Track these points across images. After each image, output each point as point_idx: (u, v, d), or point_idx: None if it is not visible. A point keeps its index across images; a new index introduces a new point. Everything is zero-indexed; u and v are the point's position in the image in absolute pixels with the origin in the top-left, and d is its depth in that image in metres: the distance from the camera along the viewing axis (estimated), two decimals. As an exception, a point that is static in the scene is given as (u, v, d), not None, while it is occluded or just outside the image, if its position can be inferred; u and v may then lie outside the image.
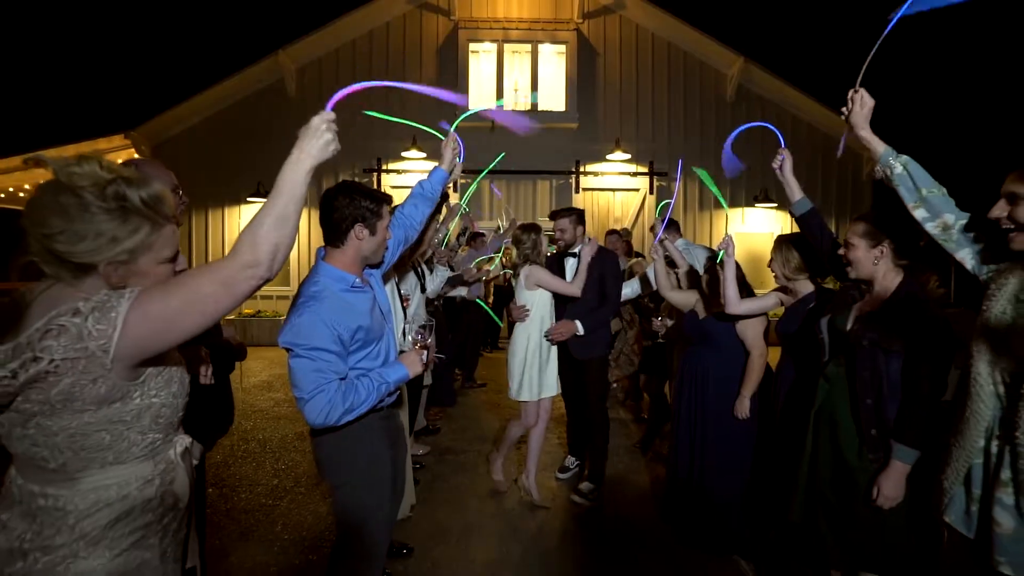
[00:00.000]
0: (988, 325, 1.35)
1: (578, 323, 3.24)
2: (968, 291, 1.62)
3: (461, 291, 4.66)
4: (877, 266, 1.77)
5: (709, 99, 9.61)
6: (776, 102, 9.44)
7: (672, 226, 4.71)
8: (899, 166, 1.60)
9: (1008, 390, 1.31)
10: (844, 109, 1.73)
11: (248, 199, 8.99)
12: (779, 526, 2.30)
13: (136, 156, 9.11)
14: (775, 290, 2.67)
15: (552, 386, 3.31)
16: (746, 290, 2.71)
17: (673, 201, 3.63)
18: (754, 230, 9.42)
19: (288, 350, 1.64)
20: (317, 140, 1.12)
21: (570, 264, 3.48)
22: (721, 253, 2.59)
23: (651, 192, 9.38)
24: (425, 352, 1.86)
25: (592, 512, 3.23)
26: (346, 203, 1.73)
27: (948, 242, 1.53)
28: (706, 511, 2.74)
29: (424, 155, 8.86)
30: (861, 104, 1.68)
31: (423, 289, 3.48)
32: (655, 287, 3.30)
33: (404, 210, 2.16)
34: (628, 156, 9.15)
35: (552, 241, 3.61)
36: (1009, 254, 1.42)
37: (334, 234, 1.76)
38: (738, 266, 2.61)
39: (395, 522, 2.11)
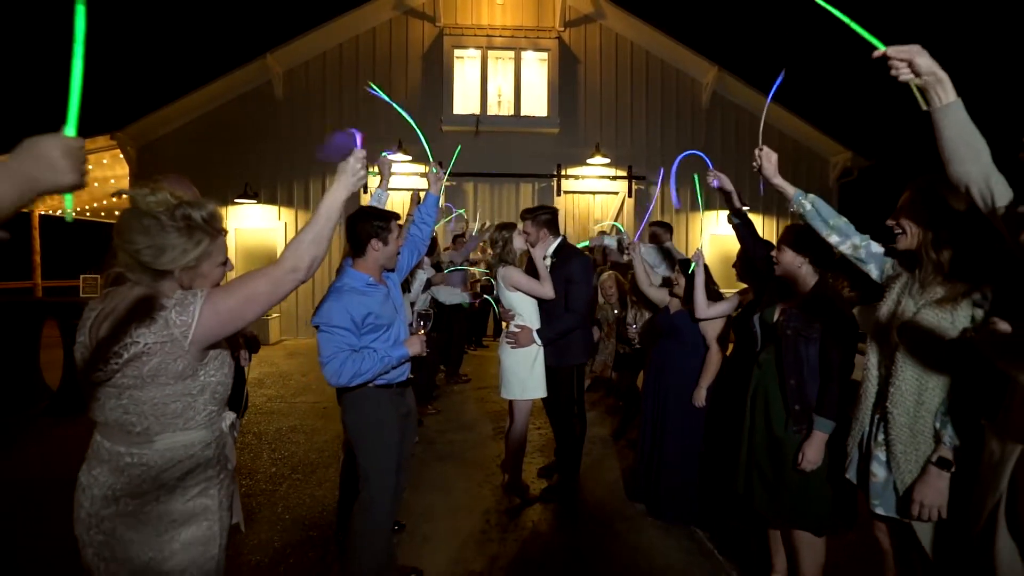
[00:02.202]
0: (877, 321, 1.69)
1: (535, 332, 3.16)
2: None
3: (465, 297, 4.64)
4: (800, 269, 2.12)
5: (685, 106, 10.03)
6: (748, 110, 9.89)
7: (664, 227, 5.02)
8: (808, 204, 1.92)
9: (886, 371, 1.65)
10: (755, 164, 2.07)
11: (235, 200, 9.10)
12: (728, 497, 2.63)
13: (121, 157, 9.19)
14: (738, 291, 3.01)
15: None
16: (713, 288, 3.03)
17: (651, 207, 3.97)
18: (730, 233, 9.79)
19: (317, 328, 2.16)
20: (352, 176, 1.41)
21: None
22: (693, 264, 2.91)
23: (630, 195, 9.75)
24: (425, 338, 2.33)
25: (568, 493, 3.53)
26: (363, 224, 2.25)
27: (859, 260, 1.85)
28: (668, 488, 3.07)
29: (410, 158, 9.09)
30: (767, 159, 2.05)
31: (405, 289, 3.76)
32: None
33: (412, 231, 2.77)
34: (608, 160, 9.50)
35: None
36: (901, 261, 1.75)
37: (357, 247, 2.27)
38: (707, 269, 2.94)
39: (405, 488, 2.51)
